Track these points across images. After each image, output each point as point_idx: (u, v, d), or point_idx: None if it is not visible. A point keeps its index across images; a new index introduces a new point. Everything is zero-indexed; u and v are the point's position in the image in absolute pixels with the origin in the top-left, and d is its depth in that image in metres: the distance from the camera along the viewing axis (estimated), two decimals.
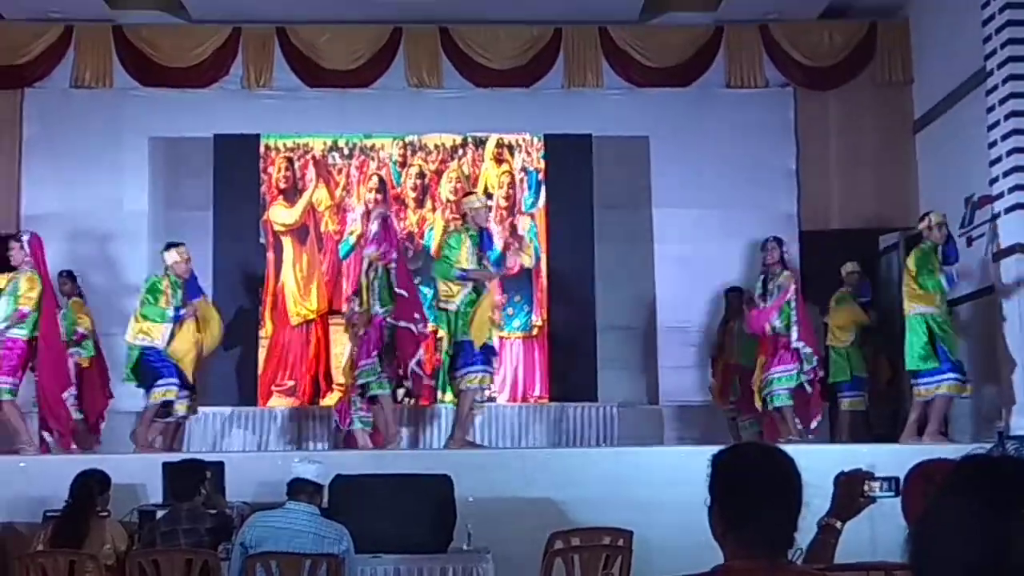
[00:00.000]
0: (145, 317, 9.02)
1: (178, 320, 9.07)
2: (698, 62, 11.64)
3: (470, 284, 8.93)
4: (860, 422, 10.39)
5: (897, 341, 9.29)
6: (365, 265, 9.40)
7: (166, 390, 9.00)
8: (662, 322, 11.36)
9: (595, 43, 11.61)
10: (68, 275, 10.13)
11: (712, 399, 10.87)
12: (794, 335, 9.23)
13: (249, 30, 11.50)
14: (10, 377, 8.71)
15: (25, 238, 8.99)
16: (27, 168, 11.35)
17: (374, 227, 9.41)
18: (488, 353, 8.91)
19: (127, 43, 11.43)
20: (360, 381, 9.22)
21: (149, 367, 9.03)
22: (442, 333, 9.34)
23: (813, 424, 9.51)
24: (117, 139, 11.41)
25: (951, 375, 8.83)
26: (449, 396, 9.67)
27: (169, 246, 9.33)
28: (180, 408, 9.18)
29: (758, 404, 9.53)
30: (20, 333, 8.74)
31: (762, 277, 9.63)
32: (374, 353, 9.20)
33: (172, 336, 9.03)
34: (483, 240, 9.20)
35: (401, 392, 9.71)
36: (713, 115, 11.57)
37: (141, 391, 9.23)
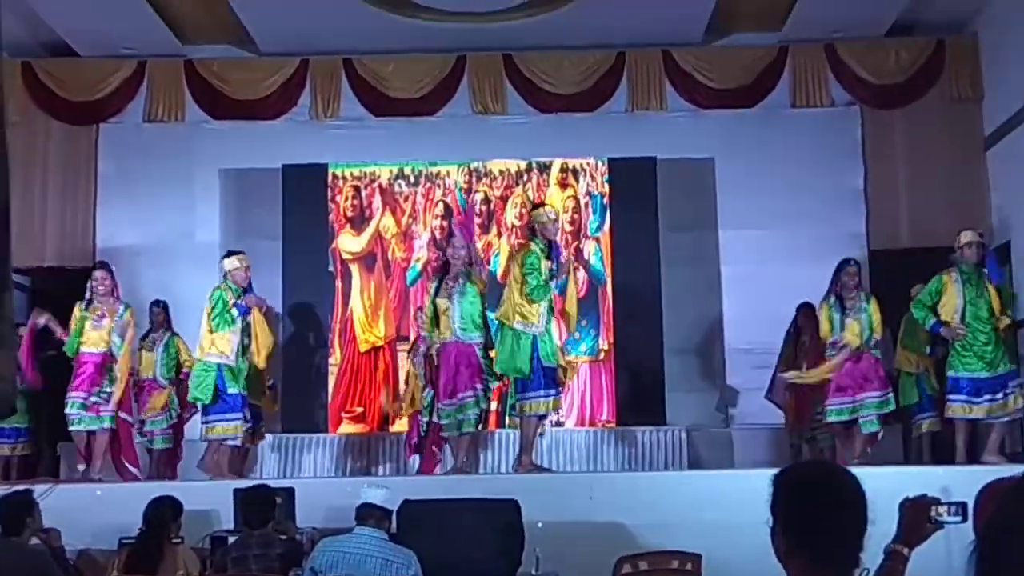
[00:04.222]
0: (218, 328, 8.83)
1: (243, 314, 8.92)
2: (763, 83, 11.57)
3: (546, 307, 8.78)
4: (935, 444, 10.18)
5: None
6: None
7: (226, 426, 8.83)
8: (730, 344, 11.27)
9: (659, 66, 11.58)
10: (159, 305, 10.04)
11: (786, 418, 10.40)
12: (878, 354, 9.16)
13: (317, 62, 11.67)
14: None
15: (113, 269, 9.25)
16: (102, 202, 11.60)
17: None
18: (552, 376, 8.80)
19: (198, 77, 11.65)
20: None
21: (217, 394, 8.84)
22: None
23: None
24: (189, 172, 11.63)
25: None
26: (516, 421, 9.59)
27: (229, 253, 9.32)
28: (243, 436, 9.02)
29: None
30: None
31: (836, 298, 9.27)
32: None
33: (243, 349, 8.94)
34: (552, 253, 9.05)
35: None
36: (779, 135, 11.49)
37: (199, 420, 9.14)
